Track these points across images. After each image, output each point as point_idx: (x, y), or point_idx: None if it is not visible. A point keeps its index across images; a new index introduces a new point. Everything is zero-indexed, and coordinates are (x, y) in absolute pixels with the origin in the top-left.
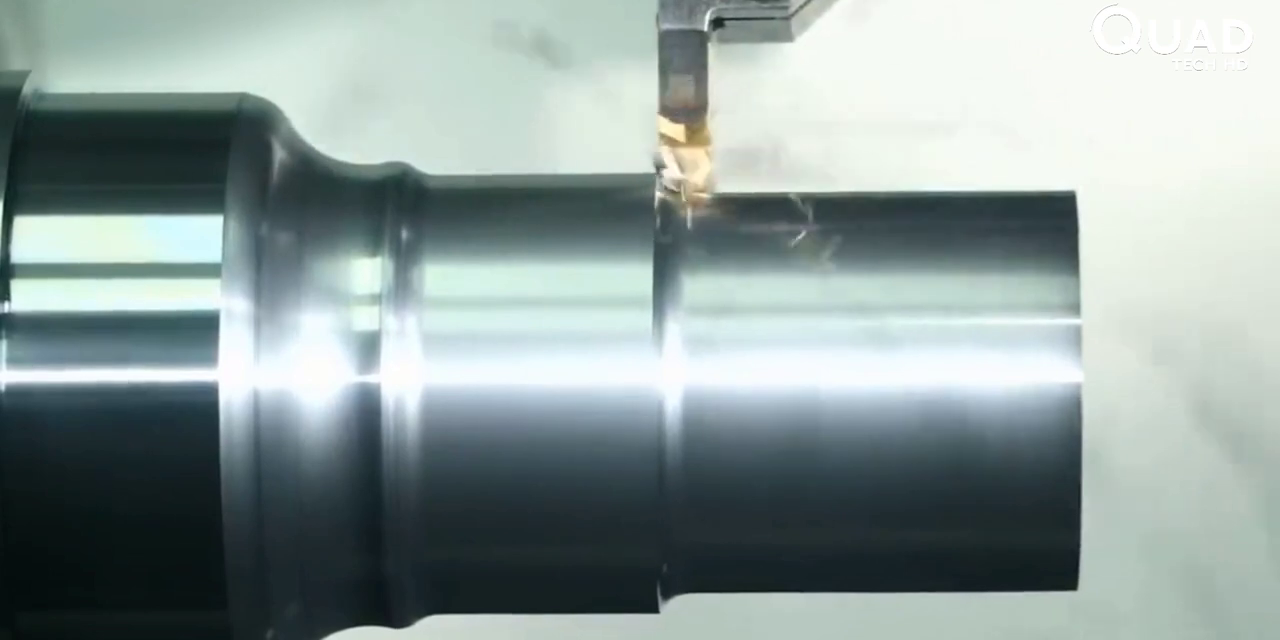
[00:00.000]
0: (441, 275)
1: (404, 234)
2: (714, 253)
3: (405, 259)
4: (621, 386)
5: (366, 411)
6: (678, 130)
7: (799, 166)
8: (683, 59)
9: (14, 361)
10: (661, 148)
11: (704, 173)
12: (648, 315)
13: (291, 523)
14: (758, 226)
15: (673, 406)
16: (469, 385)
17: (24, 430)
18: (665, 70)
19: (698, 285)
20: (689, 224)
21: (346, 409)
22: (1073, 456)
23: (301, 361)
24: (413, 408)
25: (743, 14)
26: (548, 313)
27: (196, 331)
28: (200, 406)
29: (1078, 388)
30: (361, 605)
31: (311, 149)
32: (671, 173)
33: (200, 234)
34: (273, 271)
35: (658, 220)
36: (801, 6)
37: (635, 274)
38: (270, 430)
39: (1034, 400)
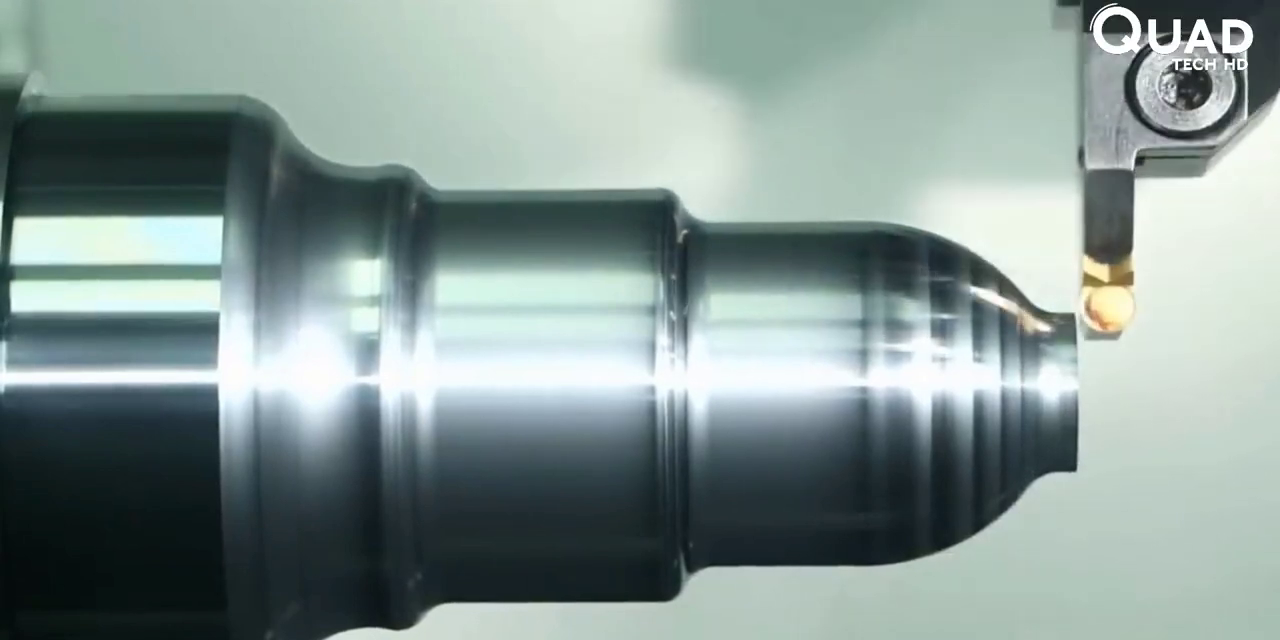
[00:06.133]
0: (452, 278)
1: (407, 234)
2: (734, 269)
3: (409, 260)
4: (639, 386)
5: (368, 412)
6: (1101, 270)
7: None
8: (1108, 199)
9: (14, 363)
10: (1084, 289)
11: (1127, 314)
12: (659, 321)
13: (291, 523)
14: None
15: (698, 407)
16: (480, 387)
17: (24, 431)
18: (1090, 210)
19: (718, 298)
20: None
21: (347, 410)
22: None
23: (302, 363)
24: (419, 408)
25: (1169, 152)
26: (553, 319)
27: (197, 333)
28: (200, 408)
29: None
30: (362, 606)
31: (310, 151)
32: (1092, 325)
33: (200, 235)
34: (273, 273)
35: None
36: (1225, 142)
37: (643, 283)
38: (270, 431)
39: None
